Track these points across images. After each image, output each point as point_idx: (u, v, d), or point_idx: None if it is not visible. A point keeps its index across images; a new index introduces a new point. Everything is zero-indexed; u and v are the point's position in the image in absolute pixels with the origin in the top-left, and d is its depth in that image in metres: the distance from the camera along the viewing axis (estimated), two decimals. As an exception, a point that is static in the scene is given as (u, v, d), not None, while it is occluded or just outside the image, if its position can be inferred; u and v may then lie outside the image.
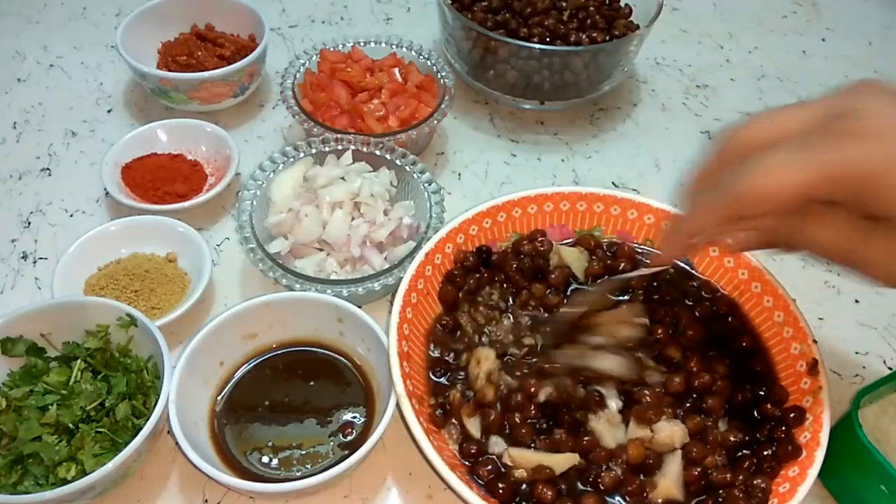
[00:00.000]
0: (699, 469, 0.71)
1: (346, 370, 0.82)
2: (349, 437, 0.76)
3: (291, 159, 0.95)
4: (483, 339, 0.82)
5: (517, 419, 0.74)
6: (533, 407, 0.75)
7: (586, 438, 0.72)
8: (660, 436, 0.72)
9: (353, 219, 0.91)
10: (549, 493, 0.68)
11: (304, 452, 0.75)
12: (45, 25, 1.29)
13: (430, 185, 0.93)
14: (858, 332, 0.94)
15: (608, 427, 0.74)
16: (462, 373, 0.79)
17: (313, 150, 0.96)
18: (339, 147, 0.97)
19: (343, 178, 0.93)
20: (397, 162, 0.96)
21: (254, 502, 0.75)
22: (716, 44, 1.37)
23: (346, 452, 0.74)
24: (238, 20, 1.19)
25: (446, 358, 0.81)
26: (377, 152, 0.97)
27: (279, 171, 0.94)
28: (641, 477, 0.71)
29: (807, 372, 0.77)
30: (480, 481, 0.70)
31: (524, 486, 0.70)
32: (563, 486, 0.70)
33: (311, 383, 0.81)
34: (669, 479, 0.70)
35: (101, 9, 1.33)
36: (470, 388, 0.78)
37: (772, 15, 1.45)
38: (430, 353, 0.81)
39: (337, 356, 0.82)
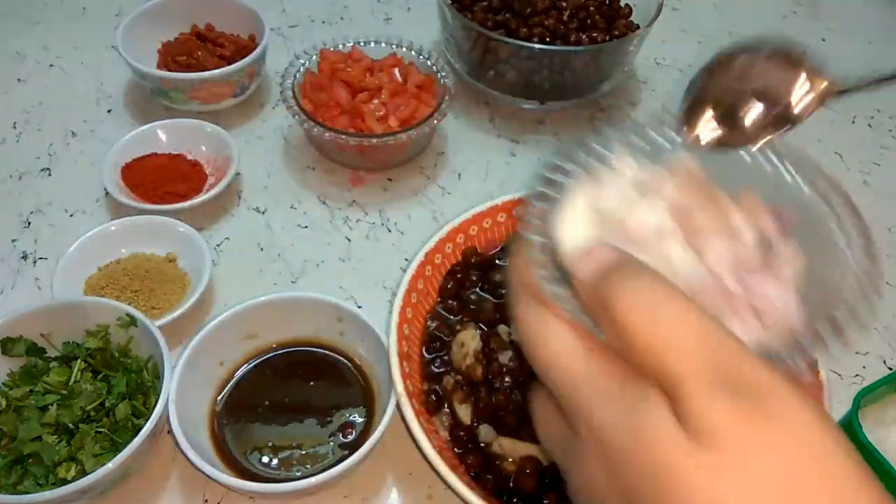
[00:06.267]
0: None
1: (346, 370, 0.82)
2: (349, 438, 0.76)
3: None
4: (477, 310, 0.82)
5: (501, 397, 0.74)
6: (505, 372, 0.75)
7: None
8: None
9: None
10: (531, 482, 0.69)
11: (304, 452, 0.75)
12: (45, 25, 1.29)
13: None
14: (858, 332, 0.94)
15: None
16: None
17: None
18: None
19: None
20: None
21: (254, 502, 0.75)
22: (716, 44, 1.35)
23: (346, 452, 0.74)
24: (238, 20, 1.19)
25: (440, 333, 0.81)
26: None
27: None
28: None
29: (807, 372, 0.77)
30: (470, 471, 0.71)
31: (511, 477, 0.71)
32: (548, 479, 0.70)
33: (311, 383, 0.81)
34: None
35: (101, 9, 1.33)
36: (457, 372, 0.78)
37: (772, 15, 1.45)
38: (427, 325, 0.82)
39: (337, 356, 0.82)
